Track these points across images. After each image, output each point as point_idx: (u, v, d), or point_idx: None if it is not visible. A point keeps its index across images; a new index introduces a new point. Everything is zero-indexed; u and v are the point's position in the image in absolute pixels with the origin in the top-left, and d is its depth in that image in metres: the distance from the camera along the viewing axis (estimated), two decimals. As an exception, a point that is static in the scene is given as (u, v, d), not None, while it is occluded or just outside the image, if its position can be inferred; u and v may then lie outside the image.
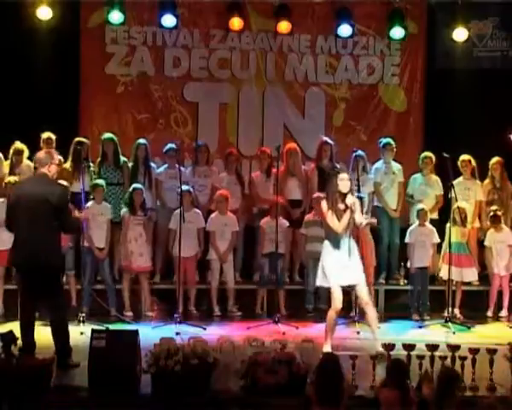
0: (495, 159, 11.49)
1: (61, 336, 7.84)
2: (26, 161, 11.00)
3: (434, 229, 10.76)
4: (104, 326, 8.89)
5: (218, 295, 10.78)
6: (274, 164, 11.19)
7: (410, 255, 10.73)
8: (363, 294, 8.52)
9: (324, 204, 8.42)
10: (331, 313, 8.47)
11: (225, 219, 10.82)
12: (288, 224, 10.91)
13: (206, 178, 11.44)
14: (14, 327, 7.66)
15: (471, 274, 10.77)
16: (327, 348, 8.21)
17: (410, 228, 10.78)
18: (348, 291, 10.50)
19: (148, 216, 10.72)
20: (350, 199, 8.34)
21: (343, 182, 8.33)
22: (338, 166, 11.64)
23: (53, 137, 11.00)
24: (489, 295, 10.98)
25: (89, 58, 12.17)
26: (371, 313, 8.57)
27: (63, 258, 8.83)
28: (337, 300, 8.42)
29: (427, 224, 10.78)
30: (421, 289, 10.67)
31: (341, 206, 8.33)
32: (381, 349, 7.82)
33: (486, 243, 11.04)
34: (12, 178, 10.34)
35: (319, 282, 8.70)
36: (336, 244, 8.40)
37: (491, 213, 11.03)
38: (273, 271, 10.61)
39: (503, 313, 10.85)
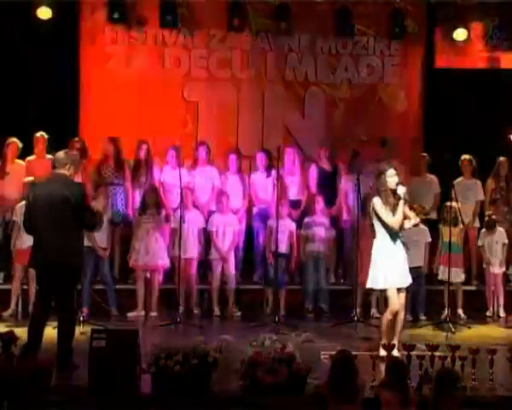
0: (503, 158, 11.48)
1: (66, 337, 7.84)
2: (17, 161, 11.02)
3: (427, 228, 10.74)
4: (104, 326, 8.89)
5: (219, 295, 10.76)
6: (274, 164, 11.21)
7: None
8: (404, 295, 8.35)
9: (379, 201, 8.21)
10: (387, 316, 8.28)
11: (226, 218, 10.81)
12: (293, 225, 10.86)
13: (206, 178, 11.44)
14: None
15: (458, 274, 10.65)
16: (383, 352, 8.01)
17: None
18: (349, 291, 10.60)
19: (161, 215, 10.68)
20: (401, 189, 8.19)
21: (392, 178, 8.21)
22: (338, 166, 11.70)
23: (45, 135, 11.02)
24: (486, 294, 10.98)
25: (89, 58, 12.17)
26: (401, 318, 8.36)
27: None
28: (394, 301, 8.22)
29: (420, 223, 10.75)
30: (416, 290, 10.64)
31: (393, 201, 8.20)
32: (397, 354, 7.76)
33: (479, 242, 11.03)
34: (31, 178, 10.33)
35: (370, 284, 8.43)
36: (391, 242, 8.25)
37: (487, 218, 11.03)
38: (277, 271, 10.63)
39: (501, 312, 10.83)
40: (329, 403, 5.64)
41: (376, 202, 8.24)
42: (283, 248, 10.60)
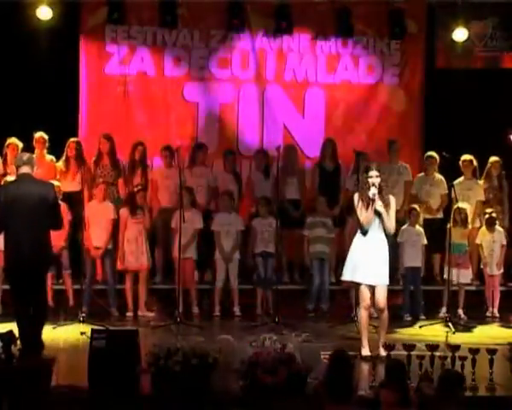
0: (494, 158, 11.50)
1: (38, 330, 7.87)
2: None
3: (423, 230, 10.75)
4: (104, 326, 8.89)
5: (222, 295, 10.76)
6: (272, 164, 11.21)
7: (401, 255, 10.70)
8: (381, 298, 8.37)
9: (356, 198, 8.40)
10: (361, 312, 8.41)
11: (230, 218, 10.80)
12: (274, 223, 10.71)
13: (204, 178, 11.44)
14: (13, 327, 7.66)
15: (465, 275, 10.70)
16: (365, 352, 8.14)
17: (403, 228, 10.73)
18: (348, 290, 10.59)
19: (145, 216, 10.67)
20: (372, 191, 8.28)
21: (372, 178, 8.31)
22: (341, 166, 11.71)
23: (45, 136, 11.03)
24: (486, 294, 10.98)
25: (89, 58, 12.17)
26: (384, 321, 8.44)
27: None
28: (364, 296, 8.35)
29: (417, 225, 10.78)
30: (414, 289, 10.67)
31: (369, 199, 8.30)
32: (383, 354, 7.83)
33: (478, 240, 11.03)
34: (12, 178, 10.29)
35: (344, 276, 8.60)
36: (364, 238, 8.35)
37: (487, 216, 11.03)
38: (267, 271, 10.63)
39: (495, 312, 10.85)
40: (326, 403, 5.64)
41: (355, 198, 8.45)
42: (270, 247, 10.61)
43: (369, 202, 8.30)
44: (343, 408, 5.69)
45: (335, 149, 11.64)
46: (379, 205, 8.32)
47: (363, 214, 8.33)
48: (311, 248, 10.86)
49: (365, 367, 7.52)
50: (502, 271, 11.01)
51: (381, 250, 8.41)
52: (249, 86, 12.55)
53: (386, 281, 8.43)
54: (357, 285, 8.55)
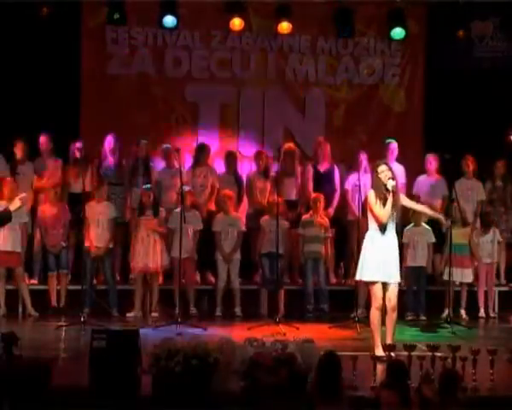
0: (500, 159, 11.53)
1: None
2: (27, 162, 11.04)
3: (430, 228, 10.76)
4: (105, 327, 8.89)
5: (223, 295, 10.77)
6: (272, 164, 11.22)
7: (404, 255, 10.69)
8: (393, 296, 8.30)
9: (372, 196, 8.29)
10: (374, 312, 8.30)
11: (230, 219, 10.81)
12: (287, 225, 10.87)
13: (206, 178, 11.45)
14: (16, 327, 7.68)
15: (467, 275, 10.76)
16: (379, 352, 8.05)
17: (406, 228, 10.75)
18: (349, 290, 10.60)
19: (160, 216, 10.62)
20: (390, 183, 8.21)
21: (383, 173, 8.27)
22: (335, 166, 11.70)
23: (49, 138, 11.05)
24: (478, 294, 10.98)
25: (89, 58, 12.16)
26: (393, 320, 8.33)
27: None
28: (377, 296, 8.26)
29: (423, 223, 10.77)
30: (417, 289, 10.67)
31: (385, 195, 8.23)
32: (381, 354, 7.83)
33: (475, 239, 11.05)
34: None
35: (358, 276, 8.47)
36: (379, 236, 8.27)
37: (484, 216, 11.12)
38: (273, 271, 10.61)
39: (490, 312, 10.86)
40: (317, 403, 5.65)
41: (370, 196, 8.36)
42: (280, 248, 10.62)
43: (386, 197, 8.22)
44: (332, 408, 5.69)
45: (328, 151, 11.63)
46: (391, 184, 8.22)
47: (381, 210, 8.24)
48: (305, 247, 10.85)
49: (365, 368, 7.50)
50: (495, 265, 11.02)
51: (394, 248, 8.35)
52: (249, 87, 12.55)
53: (399, 278, 8.39)
54: (370, 285, 8.42)
